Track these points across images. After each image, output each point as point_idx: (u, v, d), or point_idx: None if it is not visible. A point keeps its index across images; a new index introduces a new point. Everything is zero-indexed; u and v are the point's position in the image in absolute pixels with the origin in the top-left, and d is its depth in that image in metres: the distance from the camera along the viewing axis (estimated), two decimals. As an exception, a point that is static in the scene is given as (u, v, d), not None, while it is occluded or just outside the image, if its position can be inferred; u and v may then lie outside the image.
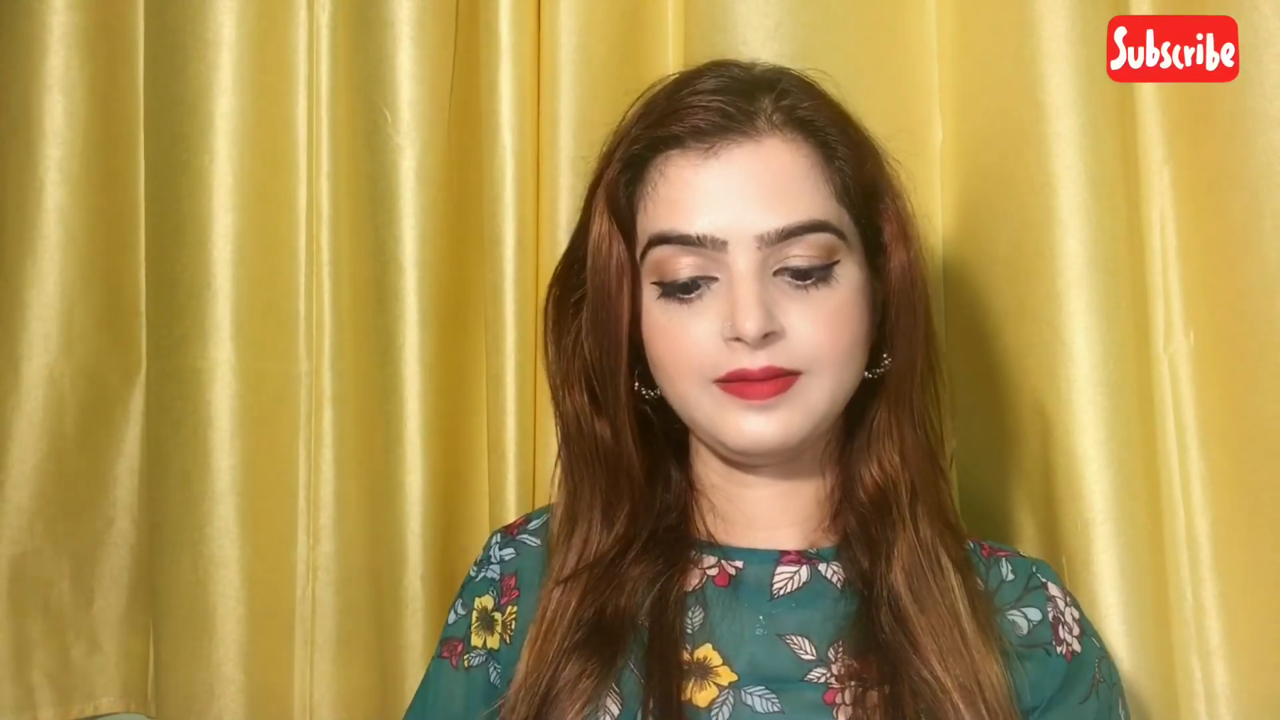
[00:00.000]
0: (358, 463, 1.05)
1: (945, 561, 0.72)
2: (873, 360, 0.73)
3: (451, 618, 0.83)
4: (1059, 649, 0.73)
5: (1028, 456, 0.87)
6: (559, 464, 0.80)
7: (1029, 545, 0.85)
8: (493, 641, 0.79)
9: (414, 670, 1.02)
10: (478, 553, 0.86)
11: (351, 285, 1.05)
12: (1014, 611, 0.74)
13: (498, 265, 0.97)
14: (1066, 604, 0.75)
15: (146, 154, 1.12)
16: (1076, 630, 0.74)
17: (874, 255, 0.73)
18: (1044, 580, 0.75)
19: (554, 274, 0.79)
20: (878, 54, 0.93)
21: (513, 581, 0.80)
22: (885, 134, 0.92)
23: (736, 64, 0.74)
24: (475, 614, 0.81)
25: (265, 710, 1.06)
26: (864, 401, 0.74)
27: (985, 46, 0.88)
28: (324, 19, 1.05)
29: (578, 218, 0.78)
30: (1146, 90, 0.84)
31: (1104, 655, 0.75)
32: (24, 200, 1.12)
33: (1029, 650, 0.72)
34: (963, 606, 0.70)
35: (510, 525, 0.85)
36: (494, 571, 0.81)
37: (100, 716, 1.18)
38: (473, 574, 0.83)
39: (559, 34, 0.96)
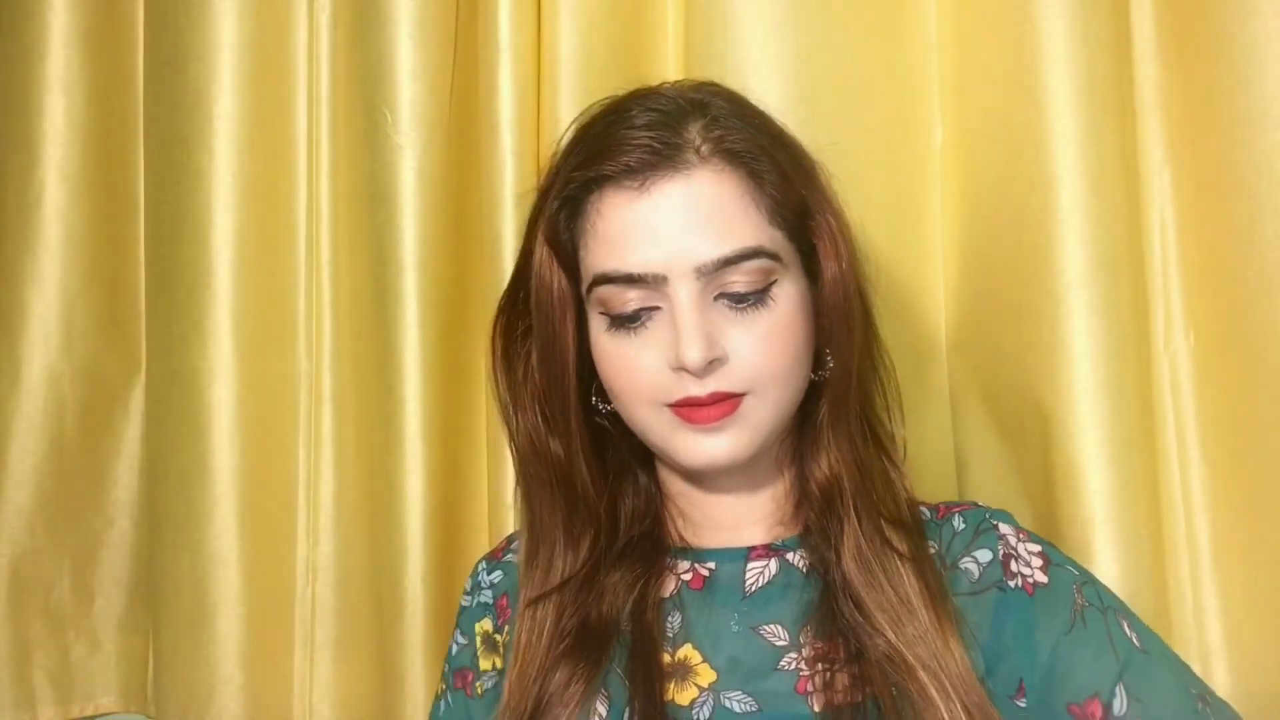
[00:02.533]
0: (358, 463, 1.05)
1: (893, 553, 0.74)
2: (819, 362, 0.75)
3: (454, 649, 0.85)
4: (1012, 583, 0.73)
5: (1028, 456, 0.87)
6: (518, 488, 0.82)
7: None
8: (499, 661, 0.82)
9: (414, 670, 1.02)
10: (479, 558, 0.87)
11: (351, 285, 1.05)
12: (966, 559, 0.75)
13: (497, 265, 0.97)
14: (1020, 540, 0.75)
15: (146, 154, 1.12)
16: (1038, 563, 0.74)
17: (811, 265, 0.75)
18: (995, 523, 0.76)
19: (499, 304, 0.80)
20: (878, 54, 0.93)
21: (505, 602, 0.83)
22: (885, 134, 0.93)
23: (663, 92, 0.75)
24: (479, 639, 0.84)
25: (264, 710, 1.06)
26: (814, 401, 0.76)
27: (985, 46, 0.88)
28: (324, 19, 1.05)
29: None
30: (1146, 90, 0.84)
31: (1087, 582, 0.74)
32: (24, 200, 1.12)
33: (981, 593, 0.73)
34: (916, 596, 0.72)
35: (494, 550, 0.87)
36: (487, 596, 0.84)
37: (100, 716, 1.18)
38: (466, 603, 0.86)
39: (559, 34, 0.96)
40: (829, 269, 0.74)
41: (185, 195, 1.06)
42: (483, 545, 0.99)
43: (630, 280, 0.70)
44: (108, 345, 1.15)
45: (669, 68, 0.98)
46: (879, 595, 0.72)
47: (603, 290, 0.72)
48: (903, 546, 0.74)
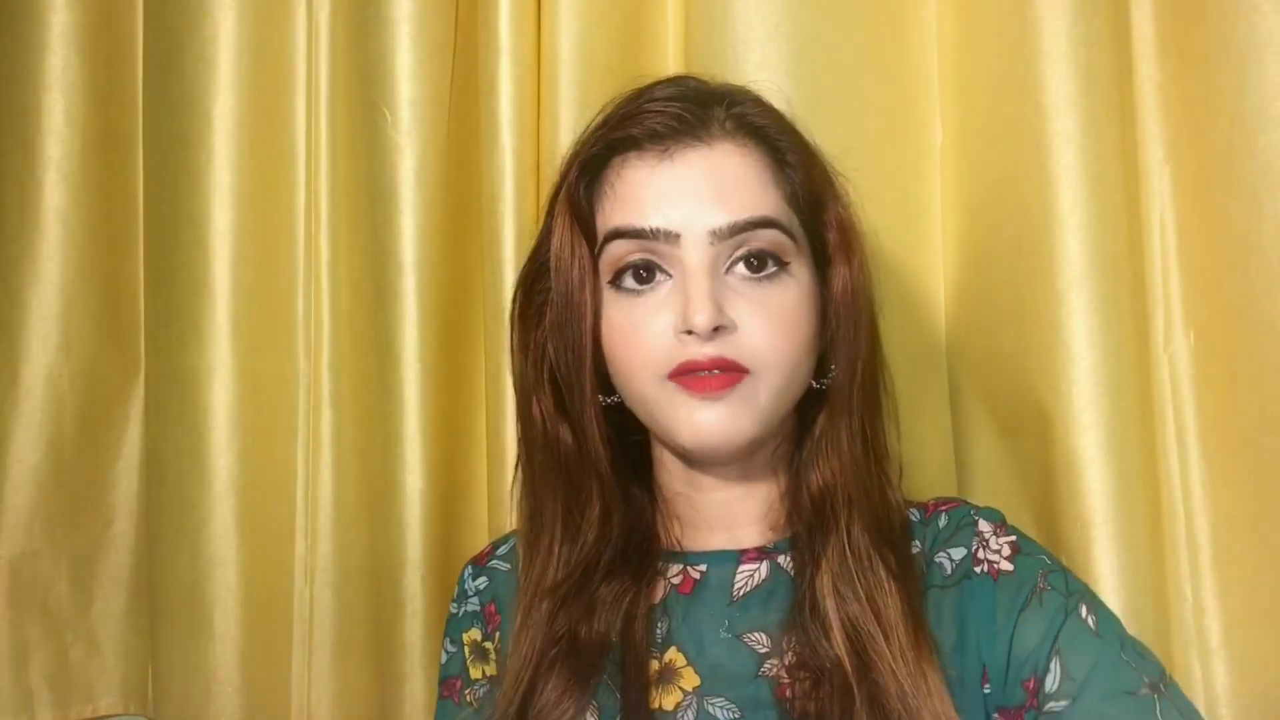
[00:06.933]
0: (356, 463, 1.05)
1: (880, 571, 0.73)
2: (822, 371, 0.75)
3: (444, 657, 0.85)
4: (978, 569, 0.74)
5: (1028, 456, 0.87)
6: (517, 478, 0.81)
7: (1029, 545, 0.85)
8: (490, 669, 0.82)
9: (412, 671, 1.02)
10: (479, 550, 0.87)
11: (351, 285, 1.05)
12: (941, 554, 0.76)
13: (498, 265, 0.97)
14: (994, 533, 0.76)
15: (145, 153, 1.12)
16: (1006, 552, 0.74)
17: (821, 264, 0.75)
18: (976, 519, 0.77)
19: (518, 280, 0.80)
20: (878, 54, 0.93)
21: (493, 608, 0.83)
22: (885, 134, 0.93)
23: (694, 77, 0.77)
24: (467, 648, 0.84)
25: (263, 711, 1.06)
26: (814, 410, 0.76)
27: (985, 46, 0.88)
28: (324, 19, 1.05)
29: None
30: (1147, 90, 0.84)
31: (1054, 570, 0.74)
32: (24, 200, 1.12)
33: (953, 586, 0.74)
34: (896, 615, 0.71)
35: (479, 555, 0.87)
36: (473, 604, 0.84)
37: (100, 718, 1.18)
38: (454, 610, 0.85)
39: (559, 34, 0.96)
40: (840, 266, 0.74)
41: (184, 195, 1.06)
42: (482, 545, 0.98)
43: (641, 236, 0.71)
44: (106, 345, 1.15)
45: (669, 68, 0.98)
46: (852, 615, 0.71)
47: (614, 247, 0.72)
48: (890, 564, 0.73)
